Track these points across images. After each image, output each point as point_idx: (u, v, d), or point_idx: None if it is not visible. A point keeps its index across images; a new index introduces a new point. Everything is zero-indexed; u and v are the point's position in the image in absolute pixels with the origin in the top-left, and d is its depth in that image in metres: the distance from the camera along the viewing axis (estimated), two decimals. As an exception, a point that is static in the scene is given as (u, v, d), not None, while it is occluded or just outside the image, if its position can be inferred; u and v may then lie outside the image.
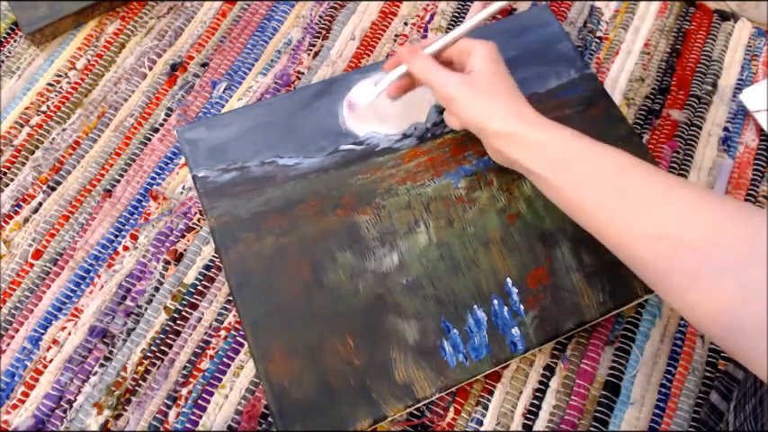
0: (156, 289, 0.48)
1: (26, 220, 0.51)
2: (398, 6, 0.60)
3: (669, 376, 0.46)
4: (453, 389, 0.43)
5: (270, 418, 0.44)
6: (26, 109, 0.55)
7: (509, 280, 0.45)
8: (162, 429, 0.44)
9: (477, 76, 0.42)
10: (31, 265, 0.49)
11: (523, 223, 0.47)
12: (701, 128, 0.55)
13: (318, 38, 0.59)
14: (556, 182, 0.40)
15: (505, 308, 0.44)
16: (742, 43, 0.59)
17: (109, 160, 0.53)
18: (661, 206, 0.35)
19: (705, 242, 0.33)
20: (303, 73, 0.57)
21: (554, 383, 0.45)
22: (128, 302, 0.48)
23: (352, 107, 0.51)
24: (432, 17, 0.60)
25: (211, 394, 0.45)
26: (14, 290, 0.48)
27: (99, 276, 0.49)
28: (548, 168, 0.40)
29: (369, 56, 0.58)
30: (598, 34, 0.59)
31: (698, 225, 0.34)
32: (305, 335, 0.43)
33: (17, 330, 0.47)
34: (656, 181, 0.37)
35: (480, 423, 0.44)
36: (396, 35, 0.59)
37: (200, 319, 0.47)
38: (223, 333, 0.47)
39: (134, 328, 0.47)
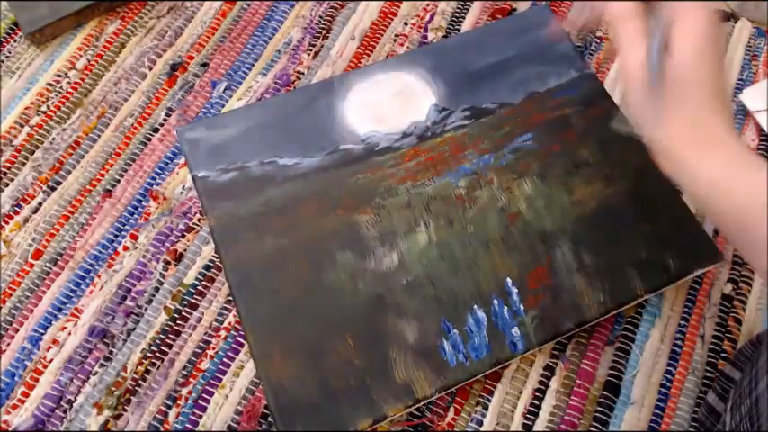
0: (156, 289, 0.48)
1: (26, 220, 0.51)
2: (398, 6, 0.60)
3: (669, 376, 0.46)
4: (453, 389, 0.43)
5: (270, 418, 0.44)
6: (26, 109, 0.55)
7: (509, 280, 0.45)
8: (162, 429, 0.44)
9: (677, 61, 0.32)
10: (31, 265, 0.49)
11: (524, 223, 0.47)
12: (701, 128, 0.55)
13: (318, 38, 0.59)
14: (721, 220, 0.33)
15: (505, 308, 0.44)
16: (742, 43, 0.59)
17: (109, 160, 0.53)
18: None
19: None
20: (303, 73, 0.57)
21: (554, 383, 0.45)
22: (128, 302, 0.48)
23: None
24: (432, 17, 0.60)
25: (211, 394, 0.45)
26: (14, 290, 0.48)
27: (99, 276, 0.49)
28: (716, 204, 0.32)
29: (369, 56, 0.58)
30: (598, 34, 0.59)
31: None
32: (305, 335, 0.43)
33: (17, 330, 0.47)
34: None
35: (480, 423, 0.44)
36: (396, 35, 0.59)
37: (200, 319, 0.47)
38: (223, 333, 0.47)
39: (134, 328, 0.47)
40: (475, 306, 0.44)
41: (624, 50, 0.34)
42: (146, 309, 0.48)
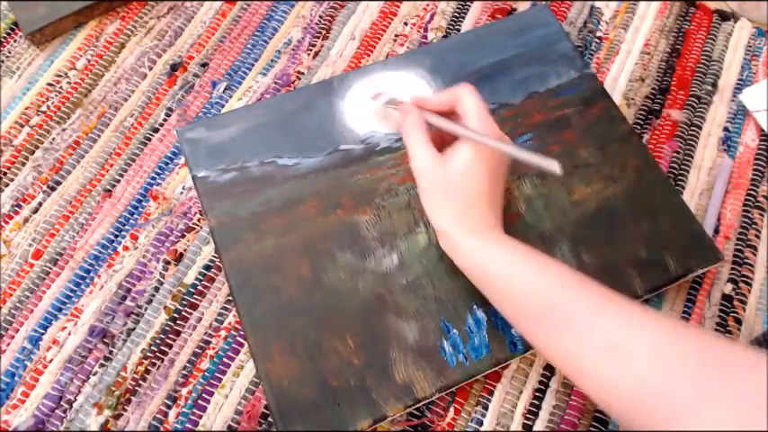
0: (156, 289, 0.48)
1: (26, 220, 0.51)
2: (398, 6, 0.60)
3: (669, 376, 0.46)
4: (453, 389, 0.43)
5: (270, 418, 0.44)
6: (26, 109, 0.55)
7: (509, 280, 0.45)
8: (162, 429, 0.44)
9: (448, 172, 0.41)
10: (31, 265, 0.49)
11: (523, 223, 0.47)
12: (701, 128, 0.55)
13: (318, 38, 0.59)
14: (489, 295, 0.41)
15: (505, 308, 0.44)
16: (742, 43, 0.59)
17: (109, 160, 0.53)
18: (607, 319, 0.36)
19: (654, 350, 0.34)
20: (303, 73, 0.57)
21: (554, 383, 0.45)
22: (128, 302, 0.48)
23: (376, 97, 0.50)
24: (432, 17, 0.60)
25: (211, 394, 0.45)
26: (14, 290, 0.48)
27: (99, 276, 0.49)
28: (477, 276, 0.41)
29: (369, 56, 0.58)
30: (598, 34, 0.59)
31: (644, 334, 0.34)
32: (305, 335, 0.43)
33: (17, 330, 0.47)
34: (597, 294, 0.37)
35: (480, 423, 0.44)
36: (396, 35, 0.59)
37: (200, 319, 0.47)
38: (223, 333, 0.47)
39: (134, 328, 0.47)
40: (475, 306, 0.44)
41: (412, 155, 0.42)
42: (146, 309, 0.48)
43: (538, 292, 0.38)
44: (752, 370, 0.31)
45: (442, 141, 0.44)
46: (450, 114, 0.43)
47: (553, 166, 0.37)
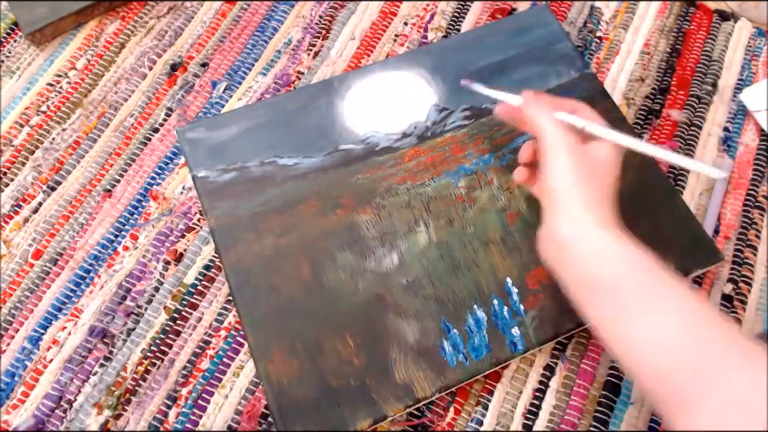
0: (156, 289, 0.48)
1: (26, 220, 0.51)
2: (398, 6, 0.60)
3: (669, 376, 0.46)
4: (453, 389, 0.43)
5: (270, 418, 0.44)
6: (26, 109, 0.55)
7: (509, 280, 0.45)
8: (162, 429, 0.44)
9: (590, 156, 0.39)
10: (31, 265, 0.49)
11: (523, 223, 0.47)
12: (700, 128, 0.55)
13: (318, 38, 0.59)
14: (583, 287, 0.38)
15: (505, 308, 0.44)
16: (742, 43, 0.59)
17: (109, 160, 0.53)
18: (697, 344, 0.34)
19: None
20: (303, 73, 0.57)
21: (554, 383, 0.45)
22: (128, 302, 0.48)
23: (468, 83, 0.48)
24: (432, 17, 0.60)
25: (211, 394, 0.45)
26: (14, 290, 0.48)
27: (99, 276, 0.49)
28: (589, 277, 0.38)
29: (369, 56, 0.58)
30: (598, 34, 0.59)
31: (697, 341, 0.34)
32: (305, 335, 0.43)
33: (17, 330, 0.47)
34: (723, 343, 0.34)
35: (480, 423, 0.44)
36: (396, 35, 0.59)
37: (200, 319, 0.47)
38: (223, 333, 0.47)
39: (134, 328, 0.47)
40: (475, 306, 0.44)
41: (549, 130, 0.39)
42: (146, 309, 0.48)
43: (621, 282, 0.36)
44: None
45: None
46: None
47: (719, 172, 0.36)
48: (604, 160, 0.39)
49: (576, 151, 0.39)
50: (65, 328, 0.47)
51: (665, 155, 0.39)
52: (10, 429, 0.44)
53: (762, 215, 0.51)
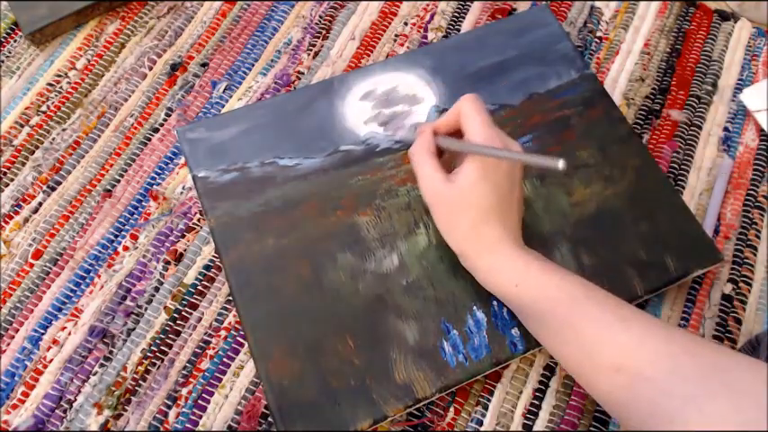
0: (156, 289, 0.48)
1: (26, 220, 0.51)
2: (398, 6, 0.60)
3: (669, 376, 0.46)
4: (453, 389, 0.43)
5: (270, 418, 0.44)
6: (26, 109, 0.55)
7: (509, 280, 0.45)
8: (162, 429, 0.44)
9: (456, 190, 0.41)
10: (31, 265, 0.49)
11: (523, 224, 0.47)
12: (701, 128, 0.55)
13: (318, 38, 0.59)
14: (510, 307, 0.42)
15: (505, 308, 0.44)
16: (742, 43, 0.59)
17: (109, 160, 0.53)
18: (615, 338, 0.36)
19: (663, 372, 0.34)
20: (303, 73, 0.57)
21: (554, 383, 0.45)
22: (128, 302, 0.48)
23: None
24: (432, 17, 0.60)
25: (211, 394, 0.45)
26: (14, 290, 0.48)
27: (99, 276, 0.49)
28: (499, 294, 0.42)
29: (369, 56, 0.58)
30: (598, 34, 0.59)
31: (654, 356, 0.34)
32: (305, 335, 0.43)
33: (17, 330, 0.47)
34: (608, 312, 0.37)
35: (480, 423, 0.44)
36: (396, 35, 0.59)
37: (200, 319, 0.47)
38: (223, 333, 0.47)
39: (134, 328, 0.47)
40: (474, 307, 0.44)
41: (419, 180, 0.43)
42: (146, 309, 0.48)
43: (548, 309, 0.38)
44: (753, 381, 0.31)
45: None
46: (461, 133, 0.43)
47: (556, 163, 0.36)
48: (468, 187, 0.40)
49: (442, 195, 0.41)
50: (65, 328, 0.47)
51: (501, 154, 0.39)
52: (10, 429, 0.44)
53: (762, 215, 0.51)
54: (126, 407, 0.45)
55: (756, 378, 0.32)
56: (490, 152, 0.40)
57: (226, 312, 0.47)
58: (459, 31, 0.59)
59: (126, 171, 0.53)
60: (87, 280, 0.49)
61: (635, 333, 0.36)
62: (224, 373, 0.46)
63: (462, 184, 0.40)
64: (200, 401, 0.45)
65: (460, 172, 0.41)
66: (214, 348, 0.46)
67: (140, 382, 0.45)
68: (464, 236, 0.41)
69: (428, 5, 0.60)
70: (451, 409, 0.45)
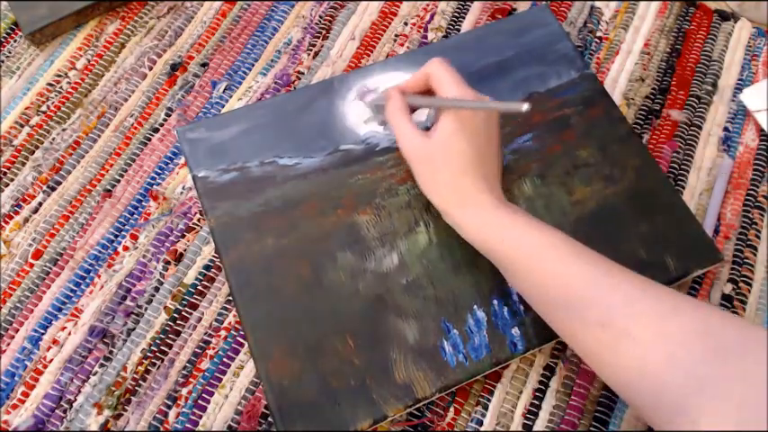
0: (156, 289, 0.48)
1: (26, 220, 0.51)
2: (398, 6, 0.60)
3: (669, 376, 0.46)
4: (453, 389, 0.43)
5: (270, 418, 0.44)
6: (26, 109, 0.55)
7: (509, 280, 0.45)
8: (162, 429, 0.44)
9: (434, 144, 0.41)
10: (31, 265, 0.49)
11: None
12: (701, 128, 0.55)
13: (318, 38, 0.59)
14: (494, 262, 0.41)
15: (505, 308, 0.44)
16: (742, 43, 0.59)
17: (109, 160, 0.53)
18: (603, 295, 0.36)
19: (651, 332, 0.33)
20: (303, 73, 0.57)
21: (554, 383, 0.45)
22: (128, 302, 0.48)
23: (363, 95, 0.51)
24: (432, 17, 0.60)
25: (211, 394, 0.45)
26: (14, 290, 0.48)
27: (99, 276, 0.49)
28: (483, 250, 0.41)
29: (369, 56, 0.58)
30: (598, 34, 0.59)
31: (642, 315, 0.34)
32: (305, 335, 0.43)
33: (17, 330, 0.47)
34: (596, 269, 0.37)
35: (480, 423, 0.44)
36: (396, 35, 0.59)
37: (200, 319, 0.47)
38: (223, 333, 0.47)
39: (134, 328, 0.47)
40: (475, 306, 0.44)
41: (398, 139, 0.44)
42: (146, 309, 0.48)
43: (536, 265, 0.38)
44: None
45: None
46: (430, 92, 0.44)
47: (520, 106, 0.37)
48: (445, 141, 0.41)
49: (421, 151, 0.42)
50: (65, 328, 0.47)
51: (468, 104, 0.41)
52: (10, 429, 0.44)
53: (762, 215, 0.51)
54: (126, 407, 0.45)
55: (744, 337, 0.32)
56: (461, 104, 0.41)
57: (226, 312, 0.47)
58: (459, 31, 0.59)
59: (126, 171, 0.53)
60: (87, 280, 0.49)
61: (623, 291, 0.36)
62: (224, 373, 0.46)
63: (439, 137, 0.41)
64: (200, 401, 0.45)
65: (436, 128, 0.42)
66: (214, 348, 0.46)
67: (140, 382, 0.45)
68: (445, 189, 0.42)
69: (428, 5, 0.60)
70: (451, 409, 0.45)
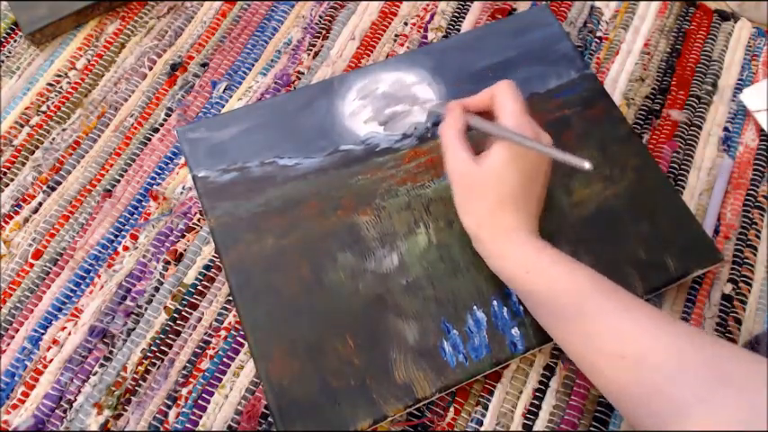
0: (156, 289, 0.48)
1: (26, 220, 0.51)
2: (398, 6, 0.60)
3: (669, 376, 0.46)
4: (453, 389, 0.43)
5: (270, 418, 0.44)
6: (26, 109, 0.55)
7: (509, 280, 0.45)
8: (162, 429, 0.44)
9: (482, 172, 0.41)
10: (31, 265, 0.49)
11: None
12: (701, 128, 0.55)
13: (318, 38, 0.59)
14: (518, 294, 0.42)
15: (505, 308, 0.44)
16: (742, 43, 0.59)
17: (109, 160, 0.53)
18: (620, 326, 0.36)
19: (666, 360, 0.34)
20: (303, 73, 0.57)
21: (554, 383, 0.45)
22: (128, 302, 0.48)
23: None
24: (432, 17, 0.60)
25: (211, 394, 0.45)
26: (14, 290, 0.48)
27: (99, 276, 0.49)
28: (508, 281, 0.42)
29: (369, 56, 0.58)
30: (598, 34, 0.59)
31: (657, 344, 0.35)
32: (305, 335, 0.43)
33: (17, 330, 0.47)
34: (615, 302, 0.37)
35: (480, 423, 0.44)
36: (396, 35, 0.59)
37: (200, 319, 0.47)
38: (223, 333, 0.47)
39: (134, 328, 0.47)
40: (475, 307, 0.44)
41: (446, 157, 0.43)
42: (146, 309, 0.48)
43: (556, 298, 0.39)
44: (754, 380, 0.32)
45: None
46: (492, 114, 0.43)
47: (582, 163, 0.36)
48: (494, 169, 0.40)
49: (466, 175, 0.41)
50: (65, 328, 0.47)
51: (532, 145, 0.39)
52: (10, 429, 0.44)
53: (762, 215, 0.51)
54: (126, 407, 0.45)
55: (755, 371, 0.32)
56: (520, 140, 0.39)
57: (226, 312, 0.47)
58: (459, 31, 0.59)
59: (126, 171, 0.53)
60: (87, 280, 0.49)
61: (640, 322, 0.36)
62: (224, 373, 0.46)
63: (488, 167, 0.40)
64: (200, 401, 0.45)
65: (488, 155, 0.41)
66: (214, 348, 0.46)
67: (140, 382, 0.45)
68: (480, 219, 0.42)
69: (428, 5, 0.60)
70: (451, 409, 0.45)
